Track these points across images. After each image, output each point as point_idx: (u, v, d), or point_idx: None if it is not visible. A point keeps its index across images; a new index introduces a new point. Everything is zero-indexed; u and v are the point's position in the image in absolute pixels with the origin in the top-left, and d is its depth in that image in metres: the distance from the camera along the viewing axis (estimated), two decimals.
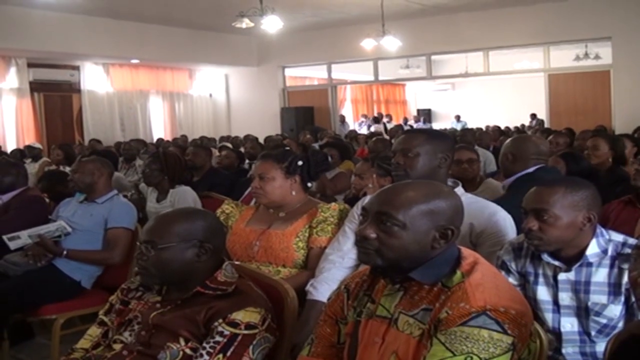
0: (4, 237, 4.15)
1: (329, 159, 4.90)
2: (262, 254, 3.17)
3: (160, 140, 14.46)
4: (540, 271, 2.48)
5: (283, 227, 3.22)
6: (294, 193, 3.29)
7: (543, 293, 2.45)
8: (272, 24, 10.31)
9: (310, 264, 3.10)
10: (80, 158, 5.29)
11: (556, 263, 2.43)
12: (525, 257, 2.53)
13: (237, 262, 2.79)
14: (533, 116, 18.48)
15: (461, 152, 4.58)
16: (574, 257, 2.41)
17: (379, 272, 2.00)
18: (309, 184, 3.40)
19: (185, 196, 5.12)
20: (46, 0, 7.88)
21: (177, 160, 5.33)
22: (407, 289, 1.93)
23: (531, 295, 2.46)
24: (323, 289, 2.84)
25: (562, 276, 2.42)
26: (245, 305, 2.23)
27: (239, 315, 2.20)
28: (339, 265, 2.93)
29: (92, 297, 4.23)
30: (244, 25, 10.31)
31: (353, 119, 22.11)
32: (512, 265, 2.54)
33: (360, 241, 1.94)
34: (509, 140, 3.95)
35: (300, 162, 3.31)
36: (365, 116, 21.71)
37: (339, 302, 2.13)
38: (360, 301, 2.05)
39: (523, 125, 18.38)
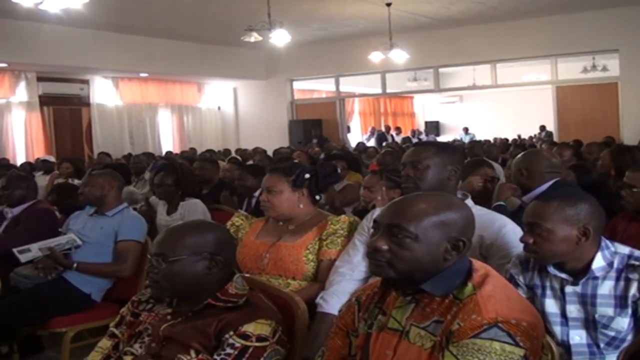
0: (15, 250, 4.16)
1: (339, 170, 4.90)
2: (272, 267, 3.16)
3: (168, 153, 14.49)
4: (548, 284, 2.47)
5: (293, 239, 3.22)
6: (301, 206, 3.30)
7: (551, 306, 2.45)
8: (280, 38, 10.37)
9: (321, 277, 3.10)
10: (90, 171, 5.30)
11: (563, 276, 2.43)
12: (532, 270, 2.52)
13: (247, 275, 2.79)
14: (542, 128, 18.45)
15: (485, 169, 4.45)
16: (580, 270, 2.41)
17: (390, 284, 2.01)
18: (317, 197, 3.40)
19: (195, 209, 5.13)
20: (56, 14, 7.91)
21: (190, 173, 5.36)
22: (418, 301, 1.94)
23: (539, 308, 2.45)
24: (333, 301, 2.83)
25: (568, 289, 2.42)
26: (256, 318, 2.23)
27: (250, 328, 2.20)
28: (349, 277, 2.92)
29: (102, 310, 4.23)
30: (252, 39, 10.36)
31: (361, 131, 22.14)
32: (520, 279, 2.54)
33: (372, 253, 1.95)
34: (520, 155, 3.96)
35: (307, 176, 3.31)
36: (373, 128, 21.74)
37: (350, 314, 2.13)
38: (372, 313, 2.05)
39: (531, 137, 18.38)
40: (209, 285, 2.33)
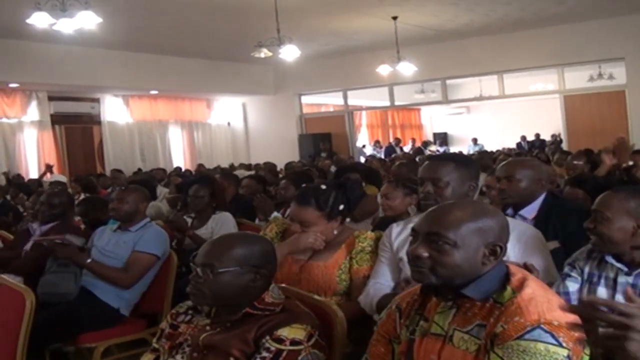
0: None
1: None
2: (304, 285, 3.16)
3: (178, 168, 14.57)
4: (604, 273, 2.56)
5: (324, 258, 3.22)
6: (335, 232, 3.30)
7: (602, 294, 2.52)
8: (290, 53, 10.44)
9: (354, 294, 3.13)
10: (120, 187, 5.37)
11: (618, 265, 2.51)
12: (594, 259, 2.62)
13: (283, 285, 2.82)
14: (554, 137, 18.55)
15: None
16: (638, 263, 2.50)
17: (431, 290, 2.05)
18: (347, 220, 3.42)
19: (227, 222, 5.18)
20: (66, 34, 8.00)
21: (222, 187, 5.42)
22: (459, 306, 1.98)
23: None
24: (375, 291, 2.94)
25: (621, 279, 2.50)
26: (291, 322, 2.27)
27: (285, 332, 2.24)
28: (382, 286, 3.00)
29: (131, 325, 4.30)
30: (262, 55, 10.45)
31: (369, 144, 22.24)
32: (581, 266, 2.63)
33: (414, 260, 2.00)
34: (514, 162, 3.78)
35: (341, 207, 3.29)
36: (377, 142, 21.86)
37: (391, 322, 2.17)
38: (413, 320, 2.09)
39: (544, 141, 18.50)
40: (250, 296, 2.36)
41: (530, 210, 3.44)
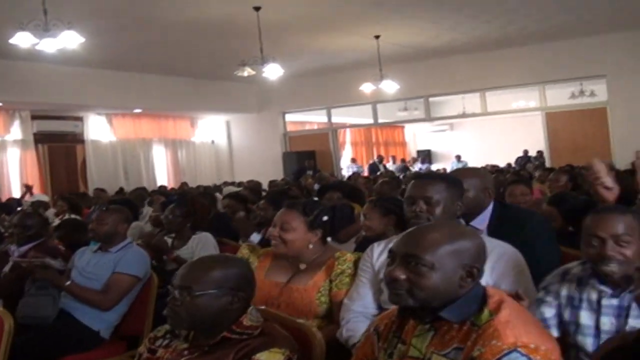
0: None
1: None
2: (284, 308, 3.12)
3: (163, 187, 14.53)
4: (585, 296, 2.50)
5: (304, 281, 3.19)
6: (311, 247, 3.25)
7: (585, 317, 2.47)
8: (273, 72, 10.49)
9: (336, 317, 3.07)
10: (99, 208, 5.34)
11: (602, 288, 2.46)
12: (570, 281, 2.56)
13: (262, 307, 2.79)
14: (539, 153, 18.69)
15: None
16: (622, 283, 2.44)
17: (408, 312, 2.05)
18: (329, 239, 3.37)
19: (207, 242, 5.15)
20: (49, 54, 8.00)
21: (203, 206, 5.39)
22: (437, 329, 1.98)
23: (574, 319, 2.49)
24: (360, 329, 2.79)
25: (606, 301, 2.45)
26: (270, 346, 2.25)
27: (263, 356, 2.21)
28: (365, 315, 2.93)
29: (111, 348, 4.26)
30: (245, 74, 10.49)
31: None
32: (556, 289, 2.56)
33: (391, 283, 1.99)
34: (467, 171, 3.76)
35: (325, 218, 3.28)
36: (354, 160, 21.93)
37: (370, 345, 2.17)
38: (391, 342, 2.09)
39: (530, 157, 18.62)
40: (228, 320, 2.33)
41: (481, 221, 3.36)
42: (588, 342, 2.46)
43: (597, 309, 2.46)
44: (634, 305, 2.41)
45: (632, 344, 1.72)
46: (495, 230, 3.26)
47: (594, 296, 2.48)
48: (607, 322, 2.43)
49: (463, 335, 1.91)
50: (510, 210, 3.48)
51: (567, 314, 2.52)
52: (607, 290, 2.45)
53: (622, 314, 2.42)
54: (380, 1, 9.87)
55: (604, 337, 2.42)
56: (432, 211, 2.84)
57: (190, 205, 5.30)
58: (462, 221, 3.15)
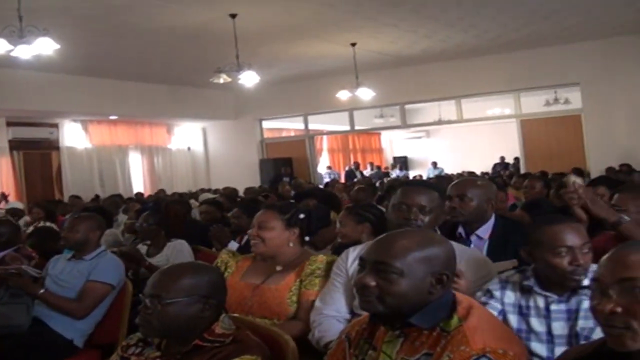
0: None
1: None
2: (257, 308, 3.16)
3: (139, 194, 14.46)
4: (532, 303, 2.54)
5: (277, 281, 3.22)
6: (291, 245, 3.32)
7: (537, 324, 2.51)
8: (249, 79, 10.48)
9: (300, 315, 3.12)
10: (72, 215, 5.31)
11: (547, 294, 2.51)
12: (514, 290, 2.60)
13: (234, 315, 2.81)
14: (517, 159, 18.82)
15: None
16: (571, 288, 2.50)
17: (379, 319, 2.06)
18: (307, 238, 3.43)
19: (182, 249, 5.13)
20: (25, 60, 7.93)
21: (177, 214, 5.38)
22: (407, 335, 2.00)
23: (524, 327, 2.53)
24: (333, 330, 2.83)
25: (555, 307, 2.49)
26: (241, 353, 2.25)
27: None
28: (336, 319, 2.96)
29: (85, 356, 4.22)
30: (221, 81, 10.46)
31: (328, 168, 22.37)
32: (497, 296, 2.59)
33: (361, 289, 2.01)
34: (468, 182, 3.84)
35: (302, 215, 3.36)
36: (329, 167, 21.99)
37: (341, 351, 2.18)
38: (362, 349, 2.10)
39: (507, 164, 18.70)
40: (199, 327, 2.33)
41: (485, 230, 3.52)
42: (542, 349, 2.50)
43: (547, 315, 2.50)
44: (582, 307, 2.45)
45: (591, 353, 1.73)
46: (498, 239, 3.43)
47: (541, 303, 2.53)
48: (559, 327, 2.47)
49: (432, 341, 1.93)
50: (511, 221, 3.66)
51: (514, 321, 2.56)
52: (553, 296, 2.50)
53: (572, 317, 2.47)
54: (356, 9, 9.91)
55: (558, 341, 2.46)
56: (424, 219, 2.96)
57: (165, 213, 5.29)
58: (438, 230, 3.25)
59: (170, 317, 2.29)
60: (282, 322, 3.10)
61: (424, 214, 2.96)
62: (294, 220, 3.33)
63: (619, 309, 1.54)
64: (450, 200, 3.53)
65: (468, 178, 4.76)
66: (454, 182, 3.81)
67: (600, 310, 1.57)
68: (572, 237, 2.48)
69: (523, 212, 4.78)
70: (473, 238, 3.51)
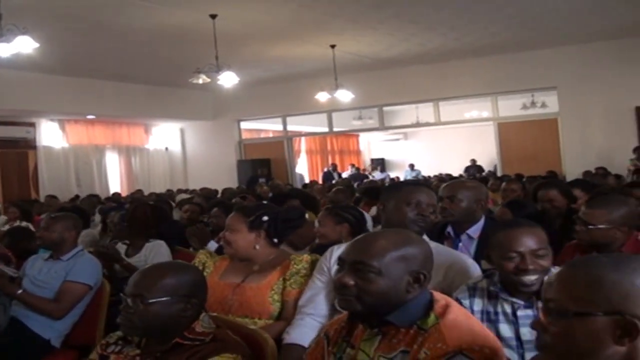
0: None
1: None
2: (237, 308, 3.17)
3: (117, 194, 14.38)
4: (500, 309, 2.56)
5: (257, 280, 3.23)
6: (257, 247, 3.32)
7: (505, 330, 2.53)
8: (228, 80, 10.47)
9: (285, 315, 3.14)
10: (48, 215, 5.29)
11: (513, 299, 2.53)
12: (482, 297, 2.62)
13: (214, 314, 2.82)
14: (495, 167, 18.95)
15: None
16: (534, 293, 2.53)
17: (357, 317, 2.09)
18: (275, 240, 3.41)
19: (160, 250, 5.11)
20: (3, 58, 7.87)
21: (144, 214, 5.35)
22: (384, 333, 2.03)
23: (494, 333, 2.51)
24: (296, 332, 2.88)
25: (521, 312, 2.52)
26: (221, 352, 2.27)
27: None
28: (313, 315, 2.98)
29: (62, 356, 4.19)
30: (200, 81, 10.43)
31: (308, 170, 22.33)
32: (466, 304, 2.60)
33: (340, 288, 2.04)
34: (460, 183, 4.04)
35: (265, 218, 3.35)
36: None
37: (320, 350, 2.21)
38: (340, 347, 2.13)
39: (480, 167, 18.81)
40: (180, 326, 2.35)
41: (476, 230, 3.67)
42: (513, 355, 2.52)
43: (514, 321, 2.53)
44: None
45: None
46: (487, 239, 3.46)
47: (508, 309, 2.55)
48: (527, 333, 2.48)
49: (410, 339, 1.96)
50: (501, 222, 3.70)
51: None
52: (519, 302, 2.53)
53: None
54: (336, 11, 9.94)
55: (527, 347, 2.49)
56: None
57: (141, 213, 5.27)
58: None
59: (152, 317, 2.31)
60: (270, 324, 3.11)
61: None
62: (258, 223, 3.33)
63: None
64: (441, 201, 3.65)
65: (459, 180, 4.92)
66: (446, 184, 3.99)
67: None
68: (525, 242, 2.53)
69: (505, 209, 4.85)
70: (463, 237, 3.68)
